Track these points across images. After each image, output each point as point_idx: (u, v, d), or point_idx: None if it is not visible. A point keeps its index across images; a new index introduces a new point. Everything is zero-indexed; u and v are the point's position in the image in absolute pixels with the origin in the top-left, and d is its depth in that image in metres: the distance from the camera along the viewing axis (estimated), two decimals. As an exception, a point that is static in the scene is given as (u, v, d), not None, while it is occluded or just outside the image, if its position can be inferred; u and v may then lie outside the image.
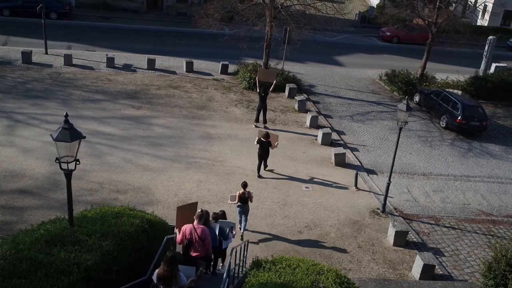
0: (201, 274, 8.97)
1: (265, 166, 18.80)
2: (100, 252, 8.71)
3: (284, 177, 18.73)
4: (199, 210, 10.35)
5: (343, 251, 14.98)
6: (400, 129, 16.09)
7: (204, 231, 10.12)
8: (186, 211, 10.53)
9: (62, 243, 8.74)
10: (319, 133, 22.13)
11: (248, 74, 27.26)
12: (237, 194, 14.56)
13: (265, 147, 18.09)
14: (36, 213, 14.68)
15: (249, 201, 14.65)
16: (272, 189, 17.70)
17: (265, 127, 22.45)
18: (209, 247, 10.43)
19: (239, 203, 14.61)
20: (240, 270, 11.78)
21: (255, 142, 18.32)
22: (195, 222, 10.13)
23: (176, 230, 10.68)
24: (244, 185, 14.57)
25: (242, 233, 14.80)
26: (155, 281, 8.32)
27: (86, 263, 8.31)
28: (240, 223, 14.83)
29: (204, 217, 10.22)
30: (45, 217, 13.25)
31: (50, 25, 29.95)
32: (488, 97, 29.29)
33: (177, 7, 41.15)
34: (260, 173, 18.47)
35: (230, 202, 14.81)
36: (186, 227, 10.24)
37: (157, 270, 8.32)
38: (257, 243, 14.72)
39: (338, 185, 18.64)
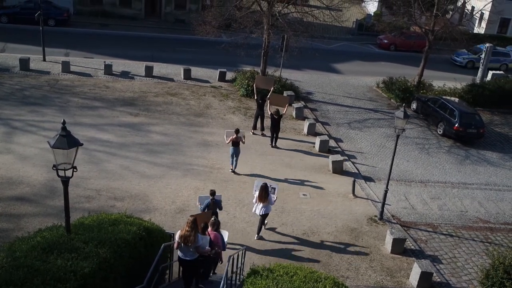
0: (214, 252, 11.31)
1: (276, 140, 21.53)
2: (97, 260, 8.68)
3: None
4: (212, 219, 12.02)
5: (341, 258, 14.97)
6: (398, 136, 16.13)
7: (216, 236, 11.64)
8: (201, 220, 11.50)
9: (59, 250, 8.71)
10: (317, 140, 22.15)
11: (246, 81, 27.30)
12: (231, 138, 17.93)
13: (275, 123, 21.03)
14: (33, 220, 14.64)
15: (240, 144, 18.12)
16: (270, 196, 17.68)
17: (263, 134, 22.54)
18: (220, 250, 11.96)
19: (232, 146, 18.07)
20: (238, 277, 11.77)
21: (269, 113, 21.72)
22: (209, 228, 11.58)
23: None
24: (237, 131, 18.04)
25: (234, 170, 18.56)
26: (177, 239, 10.33)
27: (83, 271, 8.28)
28: (232, 163, 18.58)
29: (216, 225, 11.84)
30: (42, 224, 13.21)
31: (48, 32, 29.97)
32: (485, 105, 29.34)
33: (175, 14, 41.25)
34: (274, 145, 21.57)
35: (225, 137, 18.33)
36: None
37: (179, 231, 10.48)
38: (254, 250, 14.70)
39: (335, 192, 18.65)
